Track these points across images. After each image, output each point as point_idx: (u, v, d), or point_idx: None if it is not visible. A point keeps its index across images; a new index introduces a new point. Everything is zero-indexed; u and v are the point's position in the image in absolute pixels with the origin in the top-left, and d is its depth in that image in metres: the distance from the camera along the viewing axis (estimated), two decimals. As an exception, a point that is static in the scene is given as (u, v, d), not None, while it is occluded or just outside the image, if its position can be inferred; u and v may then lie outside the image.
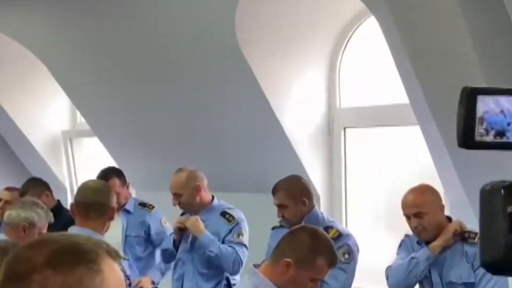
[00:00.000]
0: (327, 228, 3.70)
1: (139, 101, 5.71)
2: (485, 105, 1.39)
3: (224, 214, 4.20)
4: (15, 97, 7.07)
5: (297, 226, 3.01)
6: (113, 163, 6.16)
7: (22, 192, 4.96)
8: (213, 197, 4.29)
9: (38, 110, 7.20)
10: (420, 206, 3.42)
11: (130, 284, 3.21)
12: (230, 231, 4.14)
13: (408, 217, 3.45)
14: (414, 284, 3.52)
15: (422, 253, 3.42)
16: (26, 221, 3.71)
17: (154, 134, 5.79)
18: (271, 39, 4.68)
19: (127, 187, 4.76)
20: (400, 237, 3.70)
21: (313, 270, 2.66)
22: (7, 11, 5.94)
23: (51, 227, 4.10)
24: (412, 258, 3.44)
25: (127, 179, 4.79)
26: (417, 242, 3.51)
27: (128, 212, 4.66)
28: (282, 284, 2.67)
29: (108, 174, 4.71)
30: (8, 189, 5.29)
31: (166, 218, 4.64)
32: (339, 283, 3.62)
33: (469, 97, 1.39)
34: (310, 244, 2.68)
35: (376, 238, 4.93)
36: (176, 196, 4.22)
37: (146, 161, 5.82)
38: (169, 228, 4.54)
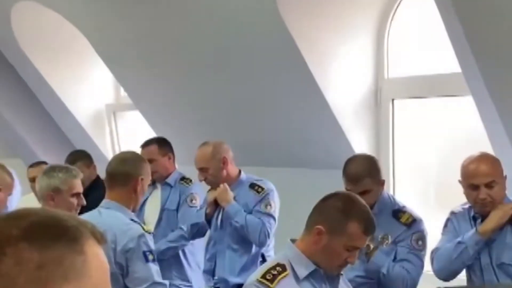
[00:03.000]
0: (399, 212, 3.46)
1: (181, 75, 5.62)
2: None
3: (253, 186, 4.09)
4: (58, 71, 7.07)
5: (330, 193, 2.76)
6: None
7: (72, 160, 4.92)
8: (239, 171, 4.17)
9: (82, 84, 7.19)
10: (494, 175, 3.17)
11: (154, 259, 3.10)
12: (259, 201, 4.03)
13: (475, 187, 3.18)
14: (462, 269, 3.31)
15: (471, 237, 3.19)
16: (49, 189, 3.43)
17: (196, 108, 5.71)
18: (314, 7, 4.50)
19: (170, 158, 4.58)
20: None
21: (347, 237, 2.46)
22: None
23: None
24: (460, 242, 3.21)
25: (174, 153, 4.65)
26: (473, 217, 3.28)
27: (169, 185, 4.56)
28: (315, 255, 2.49)
29: (149, 141, 4.63)
30: (33, 165, 5.15)
31: (197, 195, 4.52)
32: (416, 269, 3.39)
33: None
34: (342, 208, 2.49)
35: (426, 213, 4.75)
36: (203, 170, 4.12)
37: (188, 135, 5.74)
38: (195, 205, 4.44)
